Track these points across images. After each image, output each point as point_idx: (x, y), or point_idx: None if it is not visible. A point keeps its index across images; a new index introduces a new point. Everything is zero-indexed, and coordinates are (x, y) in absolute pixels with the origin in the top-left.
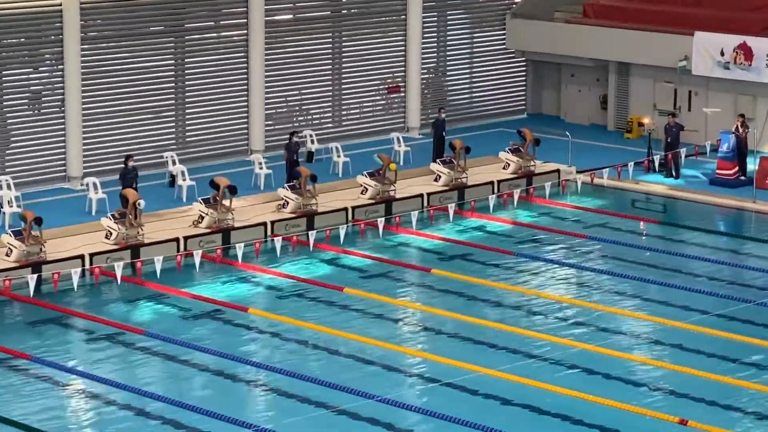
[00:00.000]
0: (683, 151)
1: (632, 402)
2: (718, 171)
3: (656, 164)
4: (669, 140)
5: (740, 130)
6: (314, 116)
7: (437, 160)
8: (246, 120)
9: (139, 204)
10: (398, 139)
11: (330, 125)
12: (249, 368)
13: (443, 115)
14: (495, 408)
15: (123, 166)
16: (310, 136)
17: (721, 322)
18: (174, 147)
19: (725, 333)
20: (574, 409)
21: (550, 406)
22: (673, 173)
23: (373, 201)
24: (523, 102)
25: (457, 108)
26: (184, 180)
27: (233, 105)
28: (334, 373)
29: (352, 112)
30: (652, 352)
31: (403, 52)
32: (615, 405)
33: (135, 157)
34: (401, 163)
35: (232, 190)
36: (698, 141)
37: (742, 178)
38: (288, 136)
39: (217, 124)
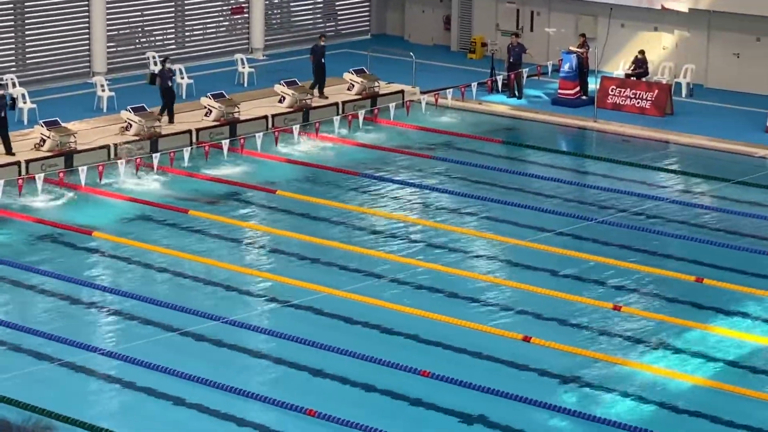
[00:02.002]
0: (525, 72)
1: (477, 320)
2: (560, 91)
3: (499, 84)
4: (511, 60)
5: (581, 49)
6: (157, 38)
7: (281, 81)
8: (87, 42)
9: None
10: (242, 60)
11: (173, 47)
12: (94, 291)
13: (323, 42)
14: (341, 328)
15: None
16: (153, 57)
17: (563, 240)
18: (14, 69)
19: (568, 251)
20: (420, 328)
21: (396, 325)
22: (516, 93)
23: (217, 123)
24: (367, 23)
25: (302, 29)
26: (25, 103)
27: (74, 26)
28: (180, 295)
29: (195, 33)
30: (496, 271)
31: None
32: (460, 323)
33: None
34: (245, 85)
35: None
36: (540, 61)
37: (584, 97)
38: (160, 63)
39: (57, 46)
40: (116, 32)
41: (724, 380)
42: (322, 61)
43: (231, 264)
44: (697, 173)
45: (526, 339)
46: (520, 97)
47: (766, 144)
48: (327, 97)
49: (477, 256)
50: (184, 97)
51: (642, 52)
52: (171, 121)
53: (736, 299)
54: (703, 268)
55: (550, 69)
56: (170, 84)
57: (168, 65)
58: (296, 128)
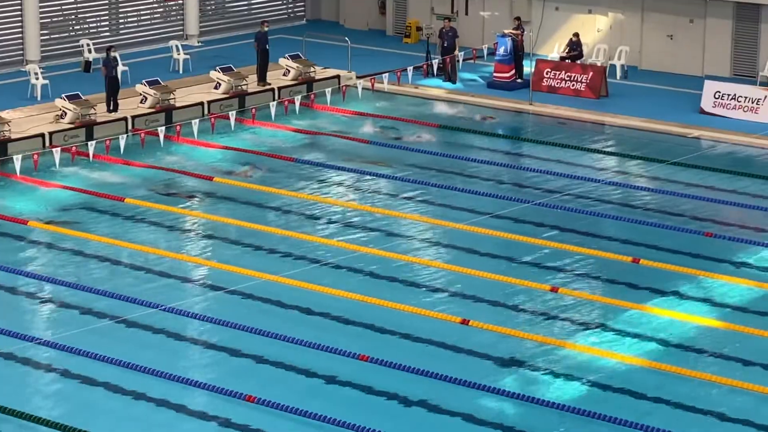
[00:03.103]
0: (461, 55)
1: (416, 304)
2: (495, 74)
3: (435, 69)
4: (445, 45)
5: (516, 32)
6: (91, 25)
7: (217, 68)
8: (20, 29)
9: None
10: (177, 47)
11: (107, 34)
12: (30, 281)
13: (266, 28)
14: (280, 313)
15: None
16: (87, 45)
17: (501, 223)
18: None
19: (505, 234)
20: (359, 312)
21: (335, 310)
22: (450, 78)
23: (153, 110)
24: (302, 8)
25: (236, 15)
26: None
27: (6, 14)
28: (118, 283)
29: (129, 20)
30: (434, 255)
31: None
32: (399, 307)
33: None
34: (181, 72)
35: None
36: (475, 44)
37: (519, 80)
38: (105, 52)
39: None
40: (49, 20)
41: (662, 360)
42: (267, 47)
43: (169, 251)
44: (633, 154)
45: (465, 322)
46: (454, 82)
47: (700, 124)
48: (270, 84)
49: (415, 240)
50: (119, 84)
51: (576, 34)
52: (115, 109)
53: (672, 279)
54: (639, 248)
55: (485, 52)
56: (114, 73)
57: (113, 54)
58: (233, 114)
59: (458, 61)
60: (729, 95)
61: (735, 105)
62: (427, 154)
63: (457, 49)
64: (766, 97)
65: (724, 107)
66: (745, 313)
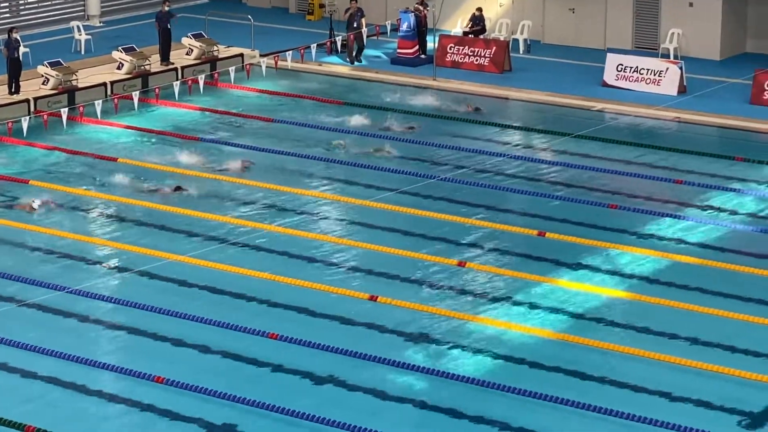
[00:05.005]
0: (365, 32)
1: (323, 281)
2: (398, 50)
3: (338, 46)
4: (355, 25)
5: (420, 8)
6: None
7: (119, 48)
8: None
9: None
10: (78, 27)
11: (8, 15)
12: None
13: (167, 8)
14: (187, 293)
15: None
16: None
17: (406, 199)
18: None
19: (411, 209)
20: (267, 291)
21: (243, 289)
22: (355, 58)
23: (55, 91)
24: None
25: None
26: None
27: None
28: (22, 266)
29: (30, 1)
30: (341, 231)
31: None
32: (307, 285)
33: None
34: (83, 53)
35: None
36: (379, 21)
37: (423, 56)
38: (7, 33)
39: None
40: None
41: (571, 332)
42: (167, 27)
43: (73, 233)
44: (537, 128)
45: (373, 298)
46: (360, 62)
47: (603, 97)
48: (173, 63)
49: (322, 218)
50: (21, 66)
51: (479, 9)
52: (17, 91)
53: (578, 252)
54: (545, 221)
55: (388, 29)
56: (16, 55)
57: (15, 35)
58: (136, 94)
59: (363, 39)
60: (631, 68)
61: (637, 77)
62: (332, 131)
63: (364, 28)
64: (667, 68)
65: (626, 80)
66: (651, 283)
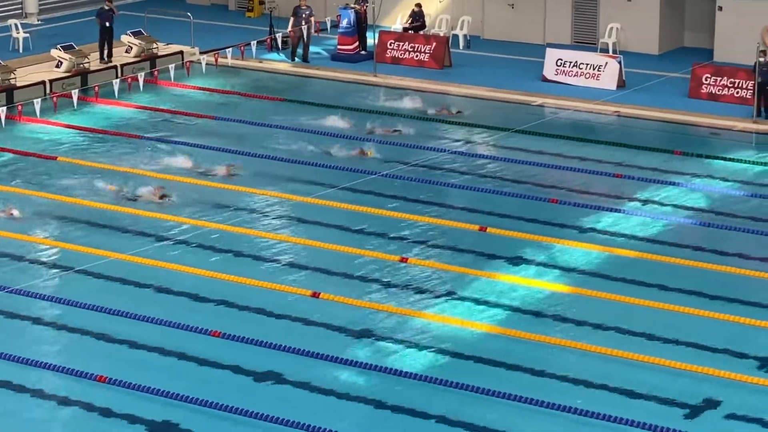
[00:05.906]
0: (305, 29)
1: (265, 278)
2: (339, 47)
3: (279, 42)
4: (305, 24)
5: (359, 5)
6: None
7: (58, 46)
8: None
9: None
10: (16, 25)
11: None
12: None
13: (107, 6)
14: (128, 292)
15: None
16: None
17: (347, 195)
18: None
19: (352, 205)
20: (208, 288)
21: (184, 286)
22: (301, 55)
23: None
24: None
25: None
26: None
27: None
28: None
29: None
30: (282, 228)
31: None
32: (248, 282)
33: None
34: (21, 51)
35: None
36: (318, 17)
37: (363, 52)
38: None
39: None
40: None
41: (513, 326)
42: (107, 24)
43: (12, 233)
44: (477, 123)
45: (315, 295)
46: (307, 62)
47: (542, 92)
48: (110, 61)
49: (262, 214)
50: None
51: (419, 5)
52: None
53: (519, 246)
54: (486, 216)
55: (328, 25)
56: None
57: None
58: (75, 93)
59: (310, 38)
60: (570, 62)
61: (577, 72)
62: (271, 128)
63: (313, 27)
64: (606, 63)
65: (566, 74)
66: (591, 277)
